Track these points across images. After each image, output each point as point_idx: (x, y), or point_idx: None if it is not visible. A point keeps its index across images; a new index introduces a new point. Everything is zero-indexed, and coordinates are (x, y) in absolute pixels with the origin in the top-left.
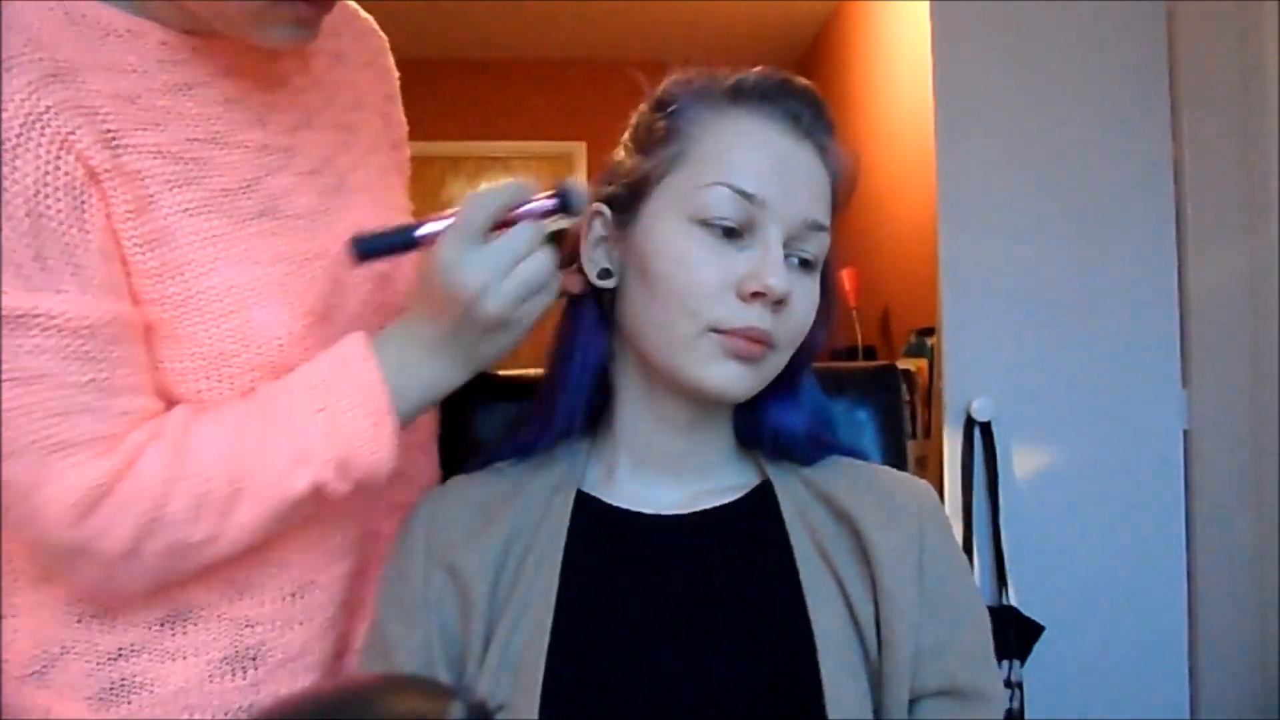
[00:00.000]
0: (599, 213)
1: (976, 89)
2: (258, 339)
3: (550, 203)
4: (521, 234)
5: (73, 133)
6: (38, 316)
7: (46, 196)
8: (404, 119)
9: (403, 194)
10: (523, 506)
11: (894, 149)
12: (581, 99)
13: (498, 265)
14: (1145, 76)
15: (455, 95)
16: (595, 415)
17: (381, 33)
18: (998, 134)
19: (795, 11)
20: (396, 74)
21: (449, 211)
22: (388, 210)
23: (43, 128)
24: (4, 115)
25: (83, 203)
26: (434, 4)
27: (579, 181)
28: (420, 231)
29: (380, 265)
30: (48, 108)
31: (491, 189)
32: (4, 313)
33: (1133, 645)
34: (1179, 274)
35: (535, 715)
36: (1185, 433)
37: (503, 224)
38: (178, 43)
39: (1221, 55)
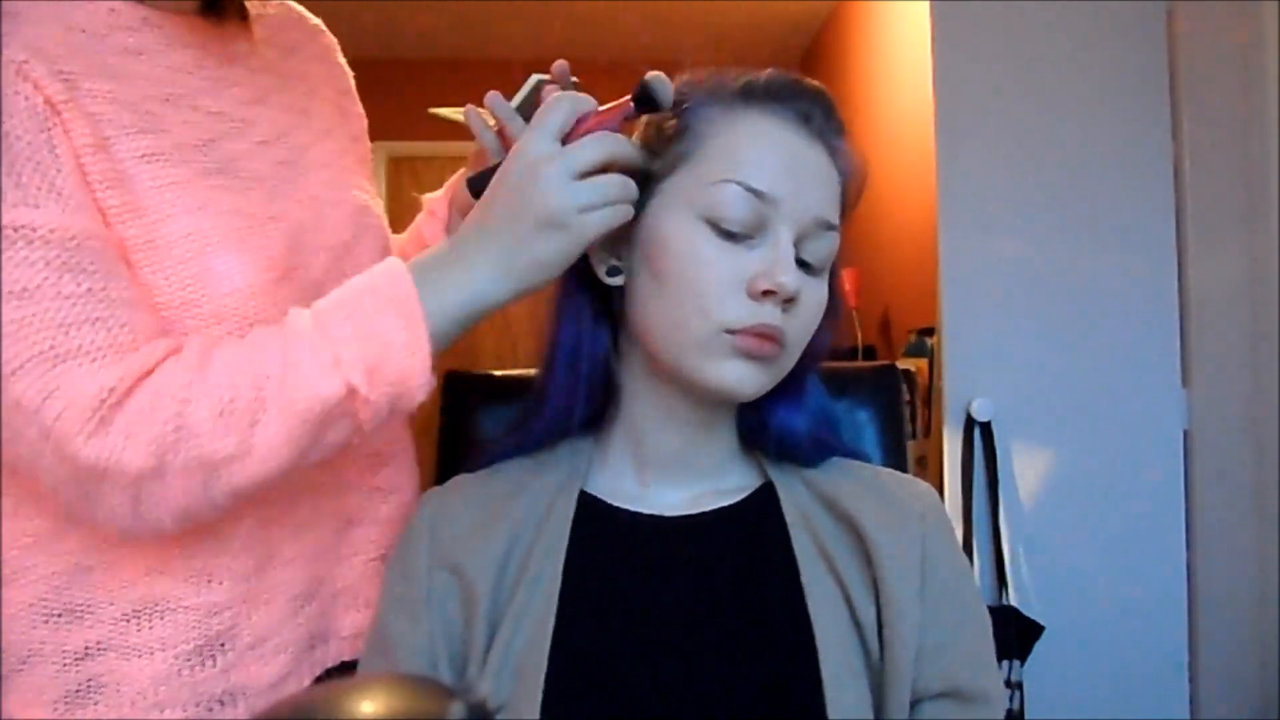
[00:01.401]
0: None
1: (976, 89)
2: (218, 287)
3: (627, 108)
4: (599, 142)
5: (26, 62)
6: (21, 228)
7: (11, 116)
8: (362, 112)
9: (362, 176)
10: (526, 506)
11: (894, 149)
12: None
13: (563, 162)
14: (1145, 76)
15: (455, 95)
16: (599, 414)
17: (330, 34)
18: (998, 134)
19: (795, 11)
20: (350, 72)
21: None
22: (346, 189)
23: None
24: None
25: (49, 127)
26: (434, 4)
27: (659, 76)
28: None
29: (342, 237)
30: None
31: (571, 95)
32: None
33: (1133, 645)
34: (1179, 274)
35: (537, 715)
36: (1185, 433)
37: (584, 131)
38: (128, 11)
39: (1221, 55)
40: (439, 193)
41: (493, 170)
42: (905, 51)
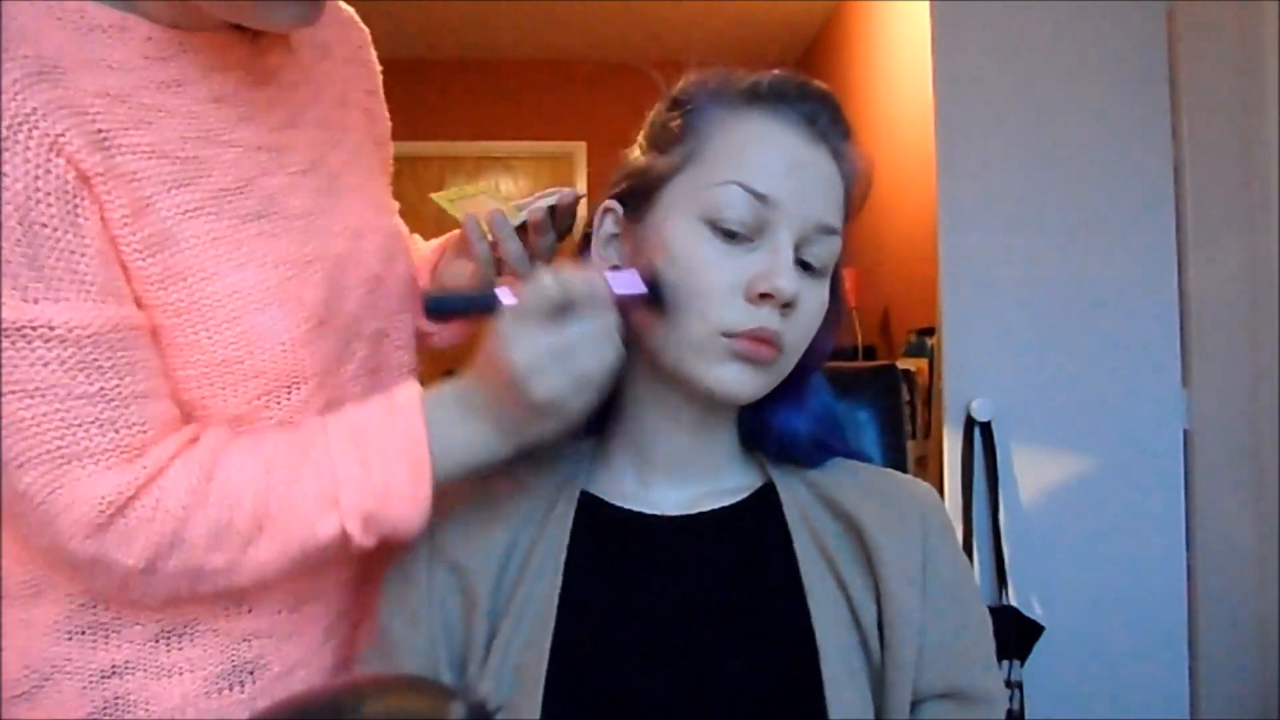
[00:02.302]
0: (610, 210)
1: (976, 89)
2: (260, 345)
3: (637, 291)
4: (585, 325)
5: (62, 134)
6: (38, 328)
7: (38, 202)
8: (386, 114)
9: (387, 192)
10: (527, 506)
11: (894, 149)
12: (581, 99)
13: (553, 353)
14: (1145, 76)
15: (455, 95)
16: (600, 414)
17: (363, 25)
18: (998, 134)
19: (795, 11)
20: (379, 68)
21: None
22: (378, 213)
23: (30, 129)
24: None
25: (76, 207)
26: (434, 4)
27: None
28: (498, 292)
29: (374, 269)
30: (34, 109)
31: (580, 277)
32: (4, 326)
33: (1133, 645)
34: (1179, 274)
35: (537, 715)
36: (1185, 433)
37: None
38: (164, 38)
39: (1221, 55)
40: (430, 247)
41: (457, 299)
42: (905, 51)
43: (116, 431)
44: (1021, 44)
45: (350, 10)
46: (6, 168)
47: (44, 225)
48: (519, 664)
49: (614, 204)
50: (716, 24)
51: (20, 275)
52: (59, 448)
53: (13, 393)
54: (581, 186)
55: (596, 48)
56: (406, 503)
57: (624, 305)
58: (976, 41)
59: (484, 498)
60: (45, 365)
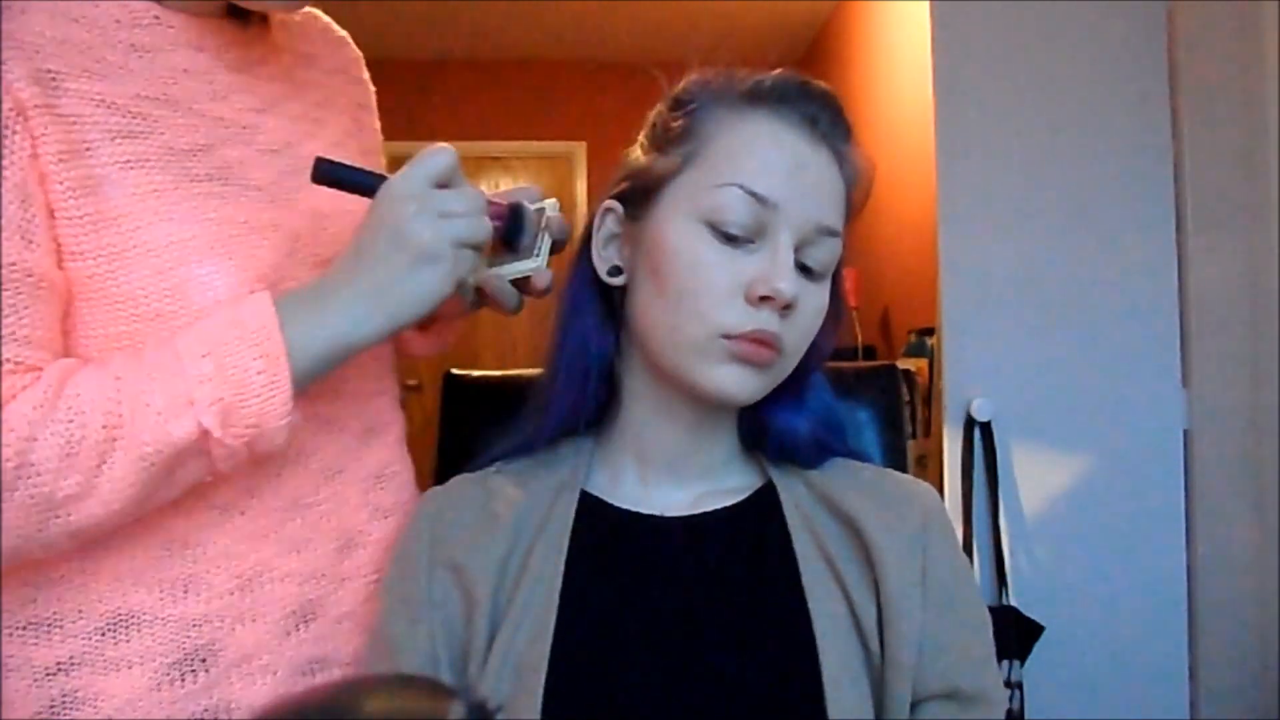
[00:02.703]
0: (611, 209)
1: (976, 89)
2: (198, 298)
3: (503, 215)
4: (466, 195)
5: (4, 63)
6: None
7: None
8: (379, 129)
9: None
10: (527, 506)
11: (894, 149)
12: (581, 99)
13: (440, 204)
14: (1145, 76)
15: (455, 95)
16: (601, 414)
17: (356, 49)
18: (998, 134)
19: (795, 11)
20: (373, 89)
21: None
22: (352, 202)
23: None
24: None
25: (2, 138)
26: (433, 4)
27: (545, 206)
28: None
29: (339, 249)
30: None
31: (452, 155)
32: None
33: (1133, 645)
34: (1179, 274)
35: (537, 716)
36: (1185, 433)
37: None
38: (140, 8)
39: (1221, 55)
40: None
41: (347, 169)
42: (905, 51)
43: None
44: (1021, 44)
45: (344, 33)
46: None
47: None
48: (519, 664)
49: (614, 204)
50: (716, 24)
51: None
52: None
53: None
54: (581, 189)
55: (596, 48)
56: (265, 391)
57: (494, 224)
58: (976, 41)
59: (484, 498)
60: None
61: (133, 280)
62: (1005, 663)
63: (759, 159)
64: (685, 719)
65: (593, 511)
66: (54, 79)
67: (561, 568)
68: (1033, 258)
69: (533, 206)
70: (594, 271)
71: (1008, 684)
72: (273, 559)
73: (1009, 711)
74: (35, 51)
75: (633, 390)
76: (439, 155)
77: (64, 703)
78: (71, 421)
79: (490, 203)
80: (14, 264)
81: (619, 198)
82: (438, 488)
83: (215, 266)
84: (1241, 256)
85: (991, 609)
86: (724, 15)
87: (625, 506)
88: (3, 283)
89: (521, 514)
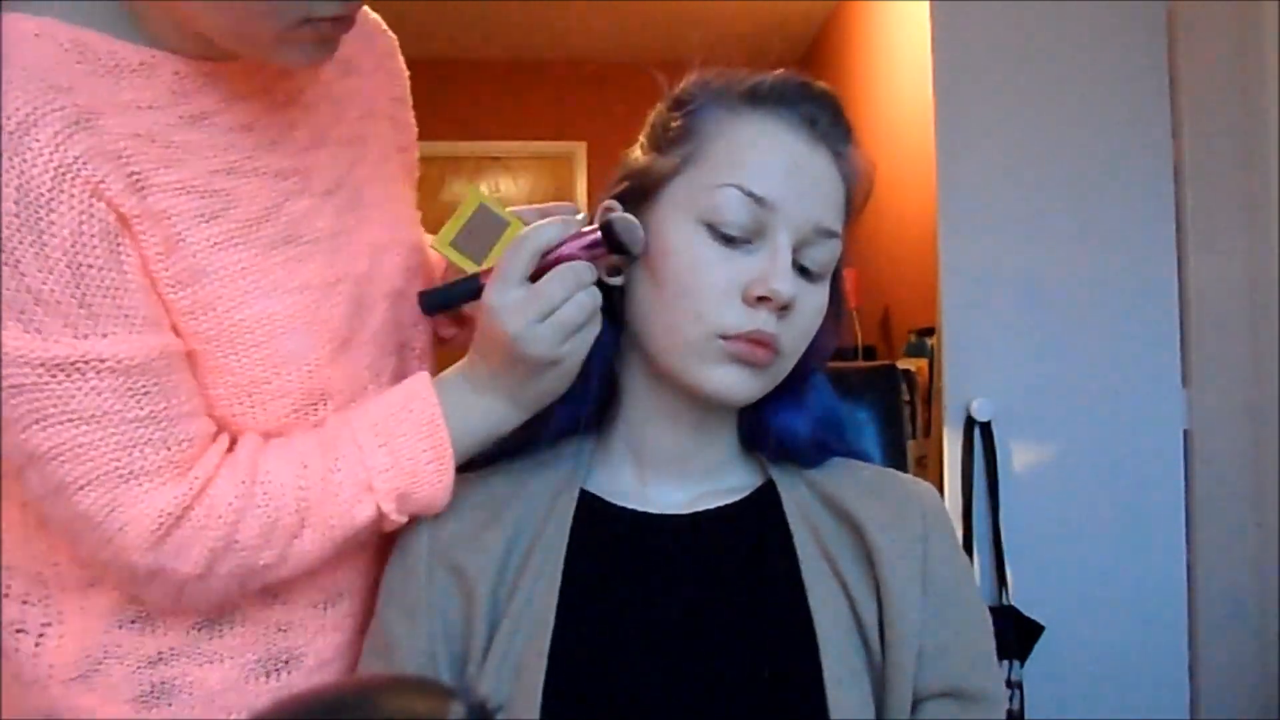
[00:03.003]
0: (610, 209)
1: (976, 89)
2: (287, 367)
3: (593, 237)
4: (561, 277)
5: (102, 181)
6: (89, 361)
7: (84, 245)
8: (413, 121)
9: (412, 200)
10: (526, 505)
11: (894, 149)
12: (581, 99)
13: (536, 309)
14: (1145, 76)
15: (455, 95)
16: (601, 413)
17: (390, 32)
18: (998, 134)
19: (795, 11)
20: (406, 74)
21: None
22: (401, 228)
23: (73, 178)
24: (35, 170)
25: (118, 247)
26: (434, 4)
27: (626, 217)
28: (482, 276)
29: (397, 283)
30: (75, 158)
31: (533, 229)
32: (57, 362)
33: (1133, 645)
34: (1179, 274)
35: (536, 715)
36: (1185, 433)
37: (553, 261)
38: (190, 71)
39: (1221, 55)
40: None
41: (446, 288)
42: (905, 51)
43: (169, 449)
44: (1021, 44)
45: (376, 17)
46: (55, 215)
47: (90, 266)
48: (519, 664)
49: (613, 203)
50: (716, 24)
51: (71, 314)
52: (115, 469)
53: (70, 421)
54: (581, 189)
55: (597, 48)
56: (434, 480)
57: (594, 257)
58: (976, 41)
59: (484, 497)
60: (99, 394)
61: (230, 355)
62: (1005, 663)
63: (757, 159)
64: (685, 718)
65: (592, 511)
66: (139, 181)
67: (561, 567)
68: (1033, 258)
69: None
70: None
71: (1008, 684)
72: (349, 580)
73: (1009, 711)
74: (119, 158)
75: (632, 390)
76: (523, 248)
77: (161, 688)
78: (269, 505)
79: (580, 233)
80: (161, 352)
81: (618, 197)
82: None
83: (300, 338)
84: (1241, 256)
85: (991, 609)
86: (724, 15)
87: (625, 506)
88: (156, 374)
89: (521, 513)
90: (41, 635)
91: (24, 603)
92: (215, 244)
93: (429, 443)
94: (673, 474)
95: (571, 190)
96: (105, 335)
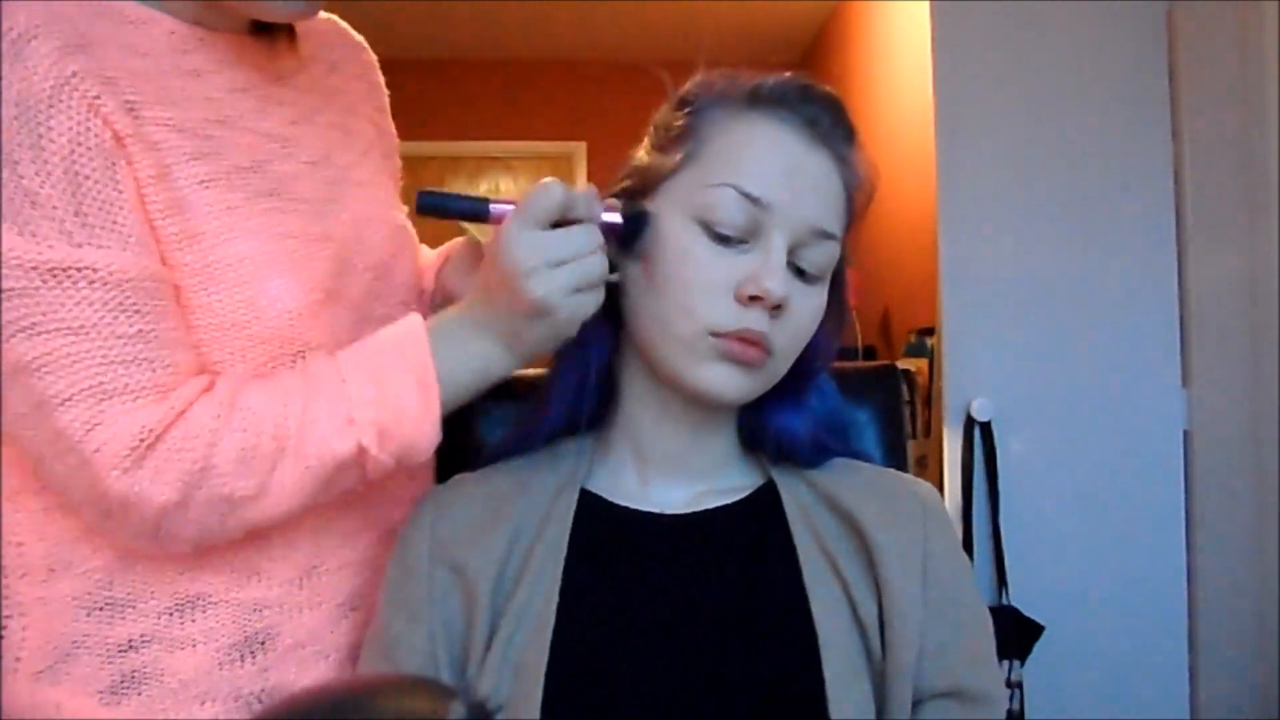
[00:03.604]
0: (610, 207)
1: (976, 89)
2: (268, 311)
3: (614, 220)
4: (583, 233)
5: (98, 97)
6: (83, 270)
7: (81, 155)
8: (394, 131)
9: (396, 195)
10: (527, 504)
11: (894, 149)
12: (581, 99)
13: (552, 252)
14: (1145, 76)
15: (455, 95)
16: (601, 413)
17: (370, 51)
18: (998, 134)
19: (795, 11)
20: (386, 91)
21: (517, 197)
22: (385, 208)
23: (71, 90)
24: (35, 78)
25: (114, 164)
26: (435, 4)
27: (651, 212)
28: (491, 205)
29: (382, 256)
30: (74, 73)
31: (561, 185)
32: (50, 266)
33: (1133, 645)
34: (1179, 274)
35: (537, 715)
36: (1185, 433)
37: (567, 222)
38: (186, 33)
39: (1221, 55)
40: (433, 254)
41: (450, 196)
42: (905, 51)
43: (154, 371)
44: (1021, 44)
45: (360, 38)
46: (53, 123)
47: (86, 178)
48: (519, 663)
49: (614, 202)
50: (716, 24)
51: (66, 221)
52: (100, 384)
53: (57, 330)
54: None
55: (597, 48)
56: (419, 418)
57: (606, 232)
58: (976, 41)
59: (485, 497)
60: (89, 306)
61: (213, 293)
62: (1005, 663)
63: (754, 160)
64: (686, 718)
65: (593, 510)
66: (134, 109)
67: (561, 566)
68: (1033, 258)
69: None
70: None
71: (1008, 684)
72: (332, 552)
73: (1009, 711)
74: (117, 85)
75: (631, 389)
76: (548, 194)
77: (133, 677)
78: (246, 431)
79: (608, 206)
80: (153, 274)
81: (619, 195)
82: (438, 487)
83: (283, 281)
84: (1241, 256)
85: (991, 609)
86: (724, 15)
87: (625, 505)
88: (147, 294)
89: (522, 512)
90: (4, 628)
91: None
92: (202, 181)
93: (415, 378)
94: (673, 473)
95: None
96: (99, 246)
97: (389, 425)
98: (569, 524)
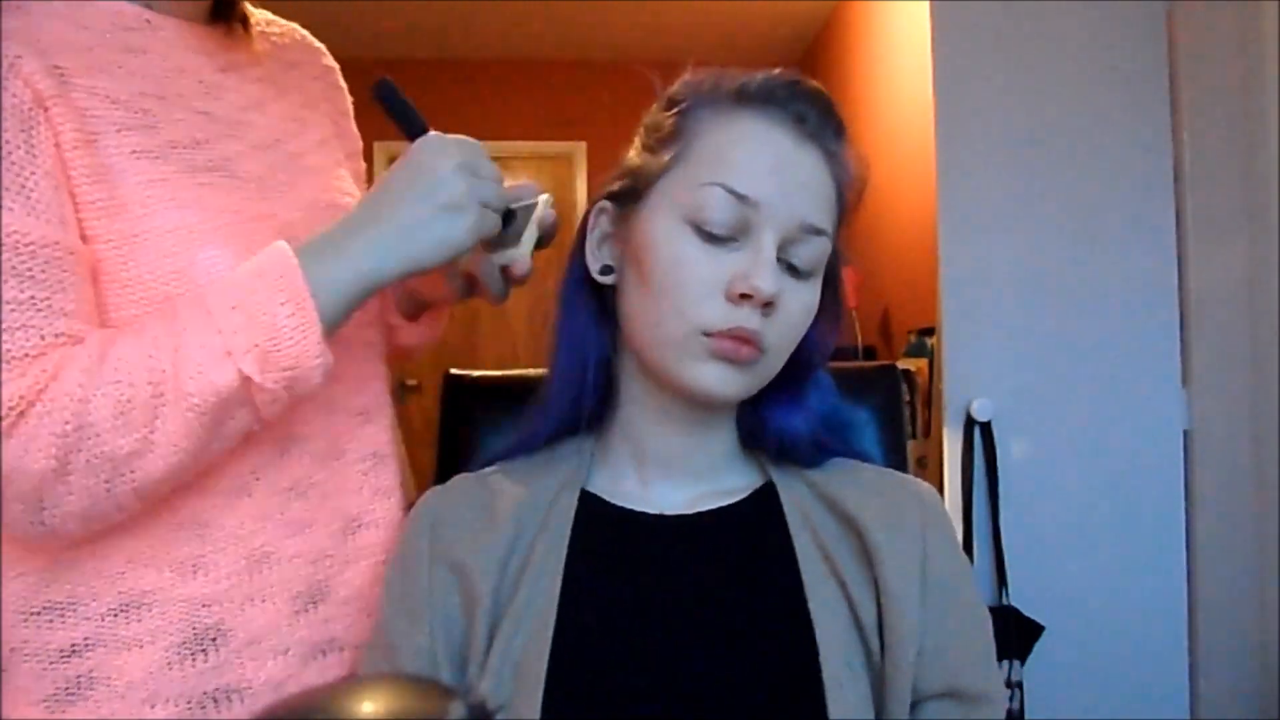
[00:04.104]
0: (604, 209)
1: (976, 89)
2: (202, 281)
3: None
4: (491, 169)
5: (20, 57)
6: None
7: None
8: (358, 135)
9: (356, 190)
10: (527, 505)
11: (894, 149)
12: (581, 99)
13: (475, 160)
14: (1145, 77)
15: (455, 95)
16: (600, 414)
17: (332, 59)
18: (998, 134)
19: (795, 11)
20: (350, 97)
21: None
22: (339, 194)
23: None
24: None
25: (31, 126)
26: (434, 4)
27: (539, 201)
28: (430, 130)
29: None
30: None
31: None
32: None
33: (1133, 645)
34: (1179, 274)
35: (537, 715)
36: (1185, 433)
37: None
38: (132, 13)
39: (1221, 55)
40: None
41: (405, 102)
42: (905, 51)
43: (40, 338)
44: (1021, 44)
45: (321, 45)
46: None
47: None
48: (519, 663)
49: (607, 204)
50: (716, 24)
51: None
52: None
53: None
54: (581, 189)
55: (596, 48)
56: (297, 333)
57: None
58: (976, 41)
59: (485, 497)
60: None
61: (141, 264)
62: (1005, 663)
63: (742, 158)
64: (685, 718)
65: (593, 510)
66: (63, 75)
67: (562, 567)
68: (1033, 258)
69: (528, 200)
70: (587, 271)
71: (1008, 684)
72: (279, 540)
73: (1009, 711)
74: (45, 50)
75: (629, 390)
76: (475, 142)
77: (79, 683)
78: (119, 382)
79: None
80: (57, 242)
81: (611, 197)
82: (438, 487)
83: (217, 252)
84: (1241, 256)
85: (991, 609)
86: (724, 15)
87: (625, 505)
88: (46, 261)
89: (522, 513)
90: None
91: None
92: (133, 152)
93: (285, 294)
94: (672, 474)
95: (571, 190)
96: (4, 209)
97: (267, 348)
98: (569, 525)
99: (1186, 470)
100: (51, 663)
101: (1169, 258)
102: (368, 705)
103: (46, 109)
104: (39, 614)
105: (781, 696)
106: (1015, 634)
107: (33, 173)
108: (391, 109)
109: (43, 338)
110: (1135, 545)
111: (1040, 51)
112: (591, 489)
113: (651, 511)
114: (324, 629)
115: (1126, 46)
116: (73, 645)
